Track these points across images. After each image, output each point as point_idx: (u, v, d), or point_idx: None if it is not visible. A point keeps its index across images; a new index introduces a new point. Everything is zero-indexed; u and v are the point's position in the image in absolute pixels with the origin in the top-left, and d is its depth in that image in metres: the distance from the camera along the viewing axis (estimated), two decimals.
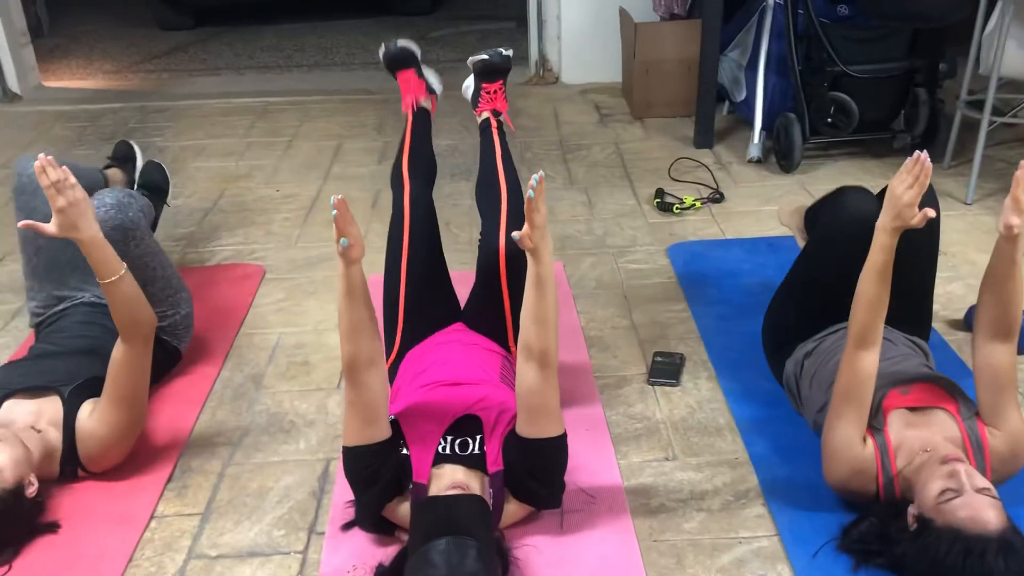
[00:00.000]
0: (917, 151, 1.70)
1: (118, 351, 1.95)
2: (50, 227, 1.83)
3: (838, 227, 2.11)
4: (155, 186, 2.88)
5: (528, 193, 1.61)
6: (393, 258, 2.20)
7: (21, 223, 1.86)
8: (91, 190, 2.10)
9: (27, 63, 5.17)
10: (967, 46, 3.44)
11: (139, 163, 2.94)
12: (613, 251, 3.08)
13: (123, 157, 2.95)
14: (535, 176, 1.62)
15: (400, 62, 2.52)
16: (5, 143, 4.34)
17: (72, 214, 1.82)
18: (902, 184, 1.69)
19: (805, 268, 2.22)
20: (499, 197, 2.20)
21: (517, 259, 2.07)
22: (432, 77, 2.58)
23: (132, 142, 2.99)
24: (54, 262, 2.32)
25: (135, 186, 2.87)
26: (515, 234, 1.65)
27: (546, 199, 1.66)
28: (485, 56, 2.44)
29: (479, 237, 2.21)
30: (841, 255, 2.05)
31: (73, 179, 1.82)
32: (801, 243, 2.49)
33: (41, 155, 1.81)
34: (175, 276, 2.42)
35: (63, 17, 6.81)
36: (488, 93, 2.43)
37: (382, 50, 2.54)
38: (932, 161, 1.71)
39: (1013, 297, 1.73)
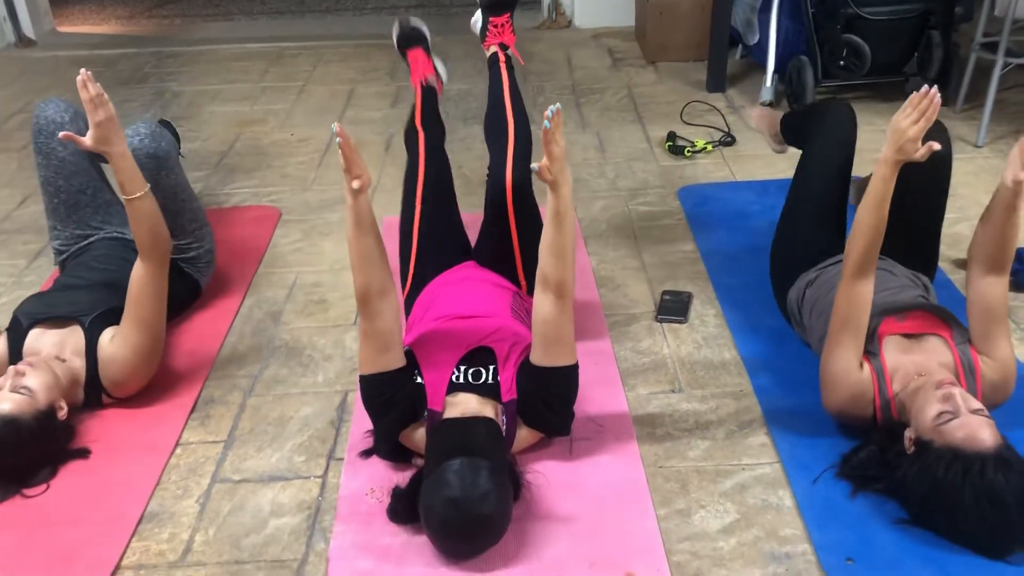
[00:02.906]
0: (926, 86, 1.72)
1: (137, 270, 2.05)
2: (87, 140, 1.96)
3: (821, 147, 2.24)
4: None
5: (544, 124, 1.62)
6: (408, 198, 2.25)
7: (62, 134, 1.98)
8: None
9: (41, 8, 5.19)
10: None
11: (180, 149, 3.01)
12: (624, 193, 3.12)
13: None
14: (551, 108, 1.62)
15: (411, 40, 2.66)
16: (23, 88, 4.39)
17: (107, 128, 1.95)
18: (907, 118, 1.71)
19: (797, 191, 2.30)
20: (506, 130, 2.24)
21: (524, 190, 2.13)
22: (439, 65, 2.71)
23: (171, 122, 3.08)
24: (75, 204, 2.40)
25: None
26: (534, 165, 1.66)
27: None
28: None
29: (487, 172, 2.25)
30: (827, 172, 2.22)
31: (107, 97, 1.95)
32: (774, 147, 2.72)
33: (83, 70, 1.94)
34: (200, 210, 2.52)
35: None
36: (495, 27, 2.50)
37: (396, 30, 2.68)
38: (944, 105, 1.73)
39: (1009, 236, 1.79)
